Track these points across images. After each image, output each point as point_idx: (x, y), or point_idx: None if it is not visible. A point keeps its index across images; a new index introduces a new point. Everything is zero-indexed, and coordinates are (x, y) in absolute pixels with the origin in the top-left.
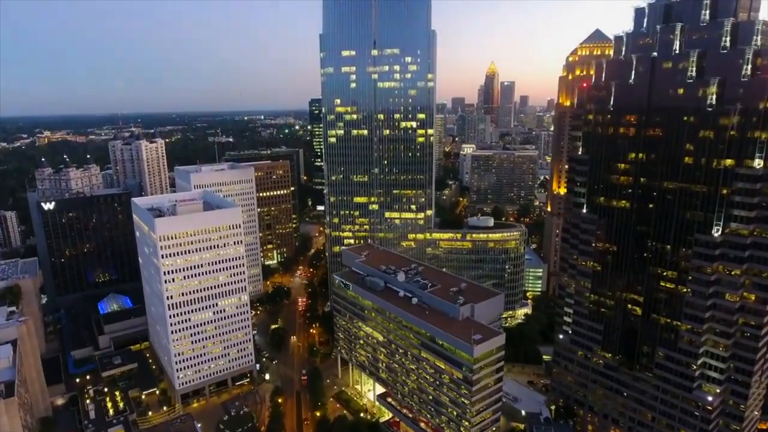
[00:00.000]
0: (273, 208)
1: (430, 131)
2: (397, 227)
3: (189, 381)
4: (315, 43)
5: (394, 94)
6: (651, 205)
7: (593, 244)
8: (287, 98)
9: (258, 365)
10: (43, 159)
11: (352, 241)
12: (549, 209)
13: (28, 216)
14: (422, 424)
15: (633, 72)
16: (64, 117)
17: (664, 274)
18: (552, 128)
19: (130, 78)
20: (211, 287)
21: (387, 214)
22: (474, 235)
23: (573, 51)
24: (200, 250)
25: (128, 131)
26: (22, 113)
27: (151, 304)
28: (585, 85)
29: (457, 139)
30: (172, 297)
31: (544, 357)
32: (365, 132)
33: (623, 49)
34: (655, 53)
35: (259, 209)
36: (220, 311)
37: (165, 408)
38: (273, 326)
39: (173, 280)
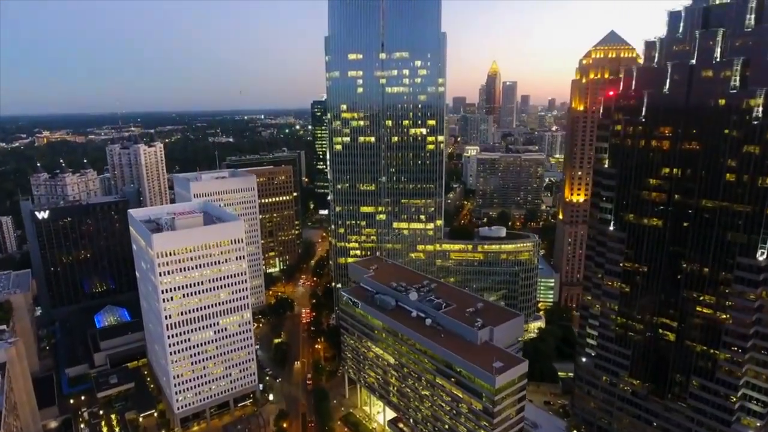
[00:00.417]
0: (275, 215)
1: (440, 138)
2: (405, 238)
3: (189, 404)
4: (315, 42)
5: (403, 99)
6: (686, 225)
7: (621, 264)
8: (287, 98)
9: (261, 385)
10: (38, 164)
11: (358, 252)
12: (561, 217)
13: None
14: None
15: (668, 80)
16: (64, 116)
17: (701, 298)
18: (554, 127)
19: (130, 77)
20: (212, 305)
21: (395, 225)
22: (486, 246)
23: (586, 53)
24: (200, 267)
25: (128, 131)
26: (22, 112)
27: (148, 321)
28: (612, 93)
29: (459, 139)
30: (170, 316)
31: (559, 374)
32: (372, 139)
33: (656, 55)
34: (693, 61)
35: (260, 216)
36: (222, 330)
37: None
38: (276, 340)
39: (172, 298)
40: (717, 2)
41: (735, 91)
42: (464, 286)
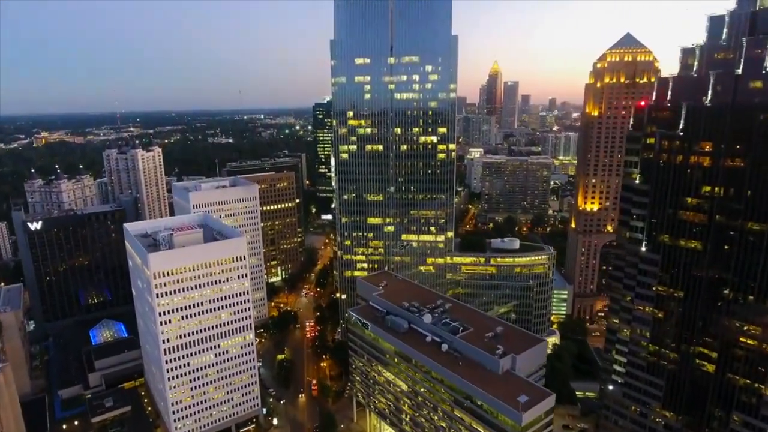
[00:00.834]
0: (277, 223)
1: (451, 146)
2: (414, 251)
3: (188, 431)
4: (314, 42)
5: (413, 106)
6: (728, 248)
7: (654, 288)
8: (287, 97)
9: (264, 409)
10: (33, 170)
11: (365, 264)
12: (573, 225)
13: None
14: None
15: (710, 91)
16: (63, 116)
17: (745, 328)
18: (555, 127)
19: (129, 76)
20: (213, 327)
21: (404, 237)
22: (499, 259)
23: (601, 57)
24: (200, 287)
25: (127, 132)
26: (22, 112)
27: (145, 341)
28: (643, 103)
29: (461, 140)
30: (168, 340)
31: (577, 393)
32: (380, 147)
33: (695, 63)
34: (739, 70)
35: (262, 223)
36: (223, 353)
37: None
38: (279, 357)
39: (170, 321)
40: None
41: None
42: (475, 298)
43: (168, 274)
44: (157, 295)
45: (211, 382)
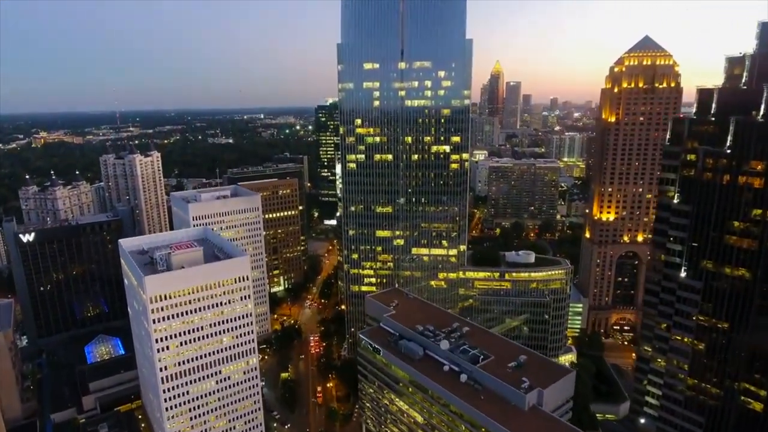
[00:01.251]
0: (280, 231)
1: (465, 156)
2: (425, 265)
3: None
4: (314, 42)
5: (424, 113)
6: None
7: (694, 317)
8: (287, 97)
9: None
10: (28, 176)
11: (373, 279)
12: (588, 235)
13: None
14: None
15: (762, 105)
16: (63, 114)
17: None
18: (556, 127)
19: (129, 75)
20: (214, 352)
21: (414, 250)
22: (514, 274)
23: (618, 60)
24: (200, 310)
25: (126, 132)
26: (21, 111)
27: (142, 365)
28: (681, 116)
29: None
30: (166, 368)
31: (597, 416)
32: (390, 157)
33: (744, 74)
34: None
35: (264, 232)
36: (225, 379)
37: None
38: (283, 375)
39: (167, 347)
40: None
41: None
42: (486, 312)
43: (166, 297)
44: (154, 321)
45: (211, 411)
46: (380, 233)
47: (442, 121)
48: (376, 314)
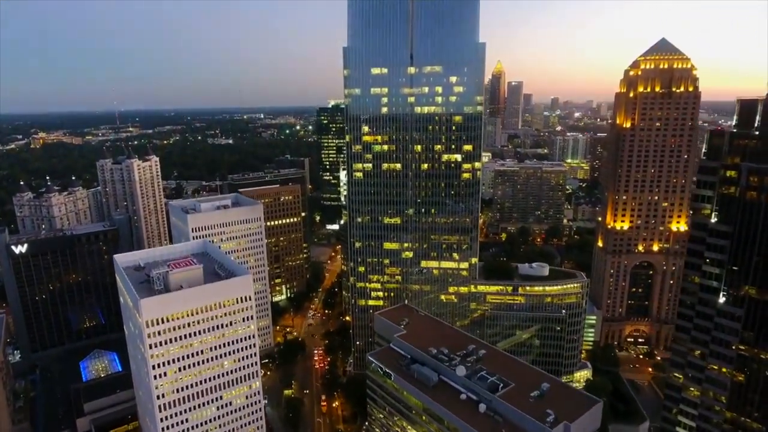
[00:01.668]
0: (282, 239)
1: (477, 165)
2: (435, 279)
3: None
4: (313, 42)
5: (435, 120)
6: None
7: (734, 347)
8: (287, 96)
9: None
10: (22, 182)
11: (380, 293)
12: (600, 244)
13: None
14: None
15: None
16: (62, 114)
17: None
18: (558, 127)
19: (129, 74)
20: (214, 377)
21: (423, 263)
22: (528, 288)
23: (633, 63)
24: (200, 333)
25: (125, 132)
26: (21, 111)
27: (139, 387)
28: (718, 128)
29: None
30: (163, 395)
31: None
32: (398, 166)
33: None
34: None
35: (266, 240)
36: (226, 405)
37: None
38: (287, 392)
39: (165, 373)
40: None
41: None
42: (497, 326)
43: (163, 321)
44: (150, 346)
45: None
46: (388, 245)
47: (454, 128)
48: (386, 333)
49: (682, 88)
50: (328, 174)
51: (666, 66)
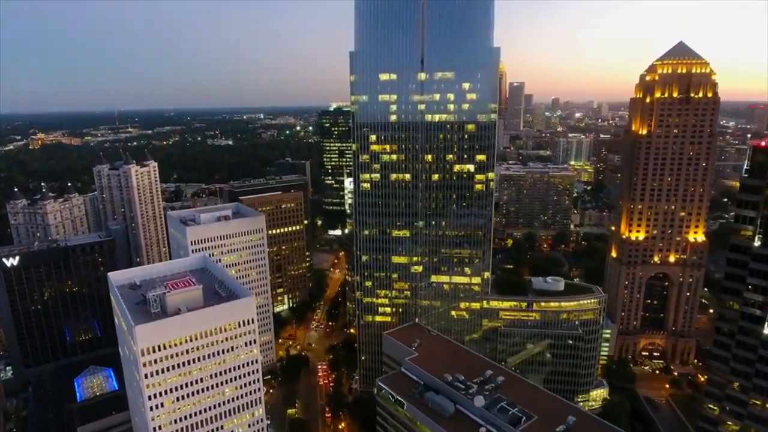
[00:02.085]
0: (284, 247)
1: (490, 175)
2: (445, 294)
3: None
4: (314, 40)
5: (446, 129)
6: None
7: None
8: (286, 96)
9: None
10: (16, 189)
11: (388, 309)
12: (614, 254)
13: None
14: None
15: None
16: (62, 114)
17: None
18: (559, 128)
19: (129, 74)
20: (215, 406)
21: (433, 278)
22: (543, 304)
23: (650, 68)
24: (200, 360)
25: (125, 132)
26: (20, 110)
27: (135, 414)
28: (764, 143)
29: None
30: (160, 427)
31: None
32: (407, 176)
33: None
34: None
35: (267, 249)
36: None
37: None
38: (290, 411)
39: (162, 404)
40: None
41: None
42: (509, 338)
43: (160, 348)
44: (146, 375)
45: None
46: (396, 259)
47: (466, 137)
48: (396, 355)
49: (700, 94)
50: (330, 178)
51: (684, 70)
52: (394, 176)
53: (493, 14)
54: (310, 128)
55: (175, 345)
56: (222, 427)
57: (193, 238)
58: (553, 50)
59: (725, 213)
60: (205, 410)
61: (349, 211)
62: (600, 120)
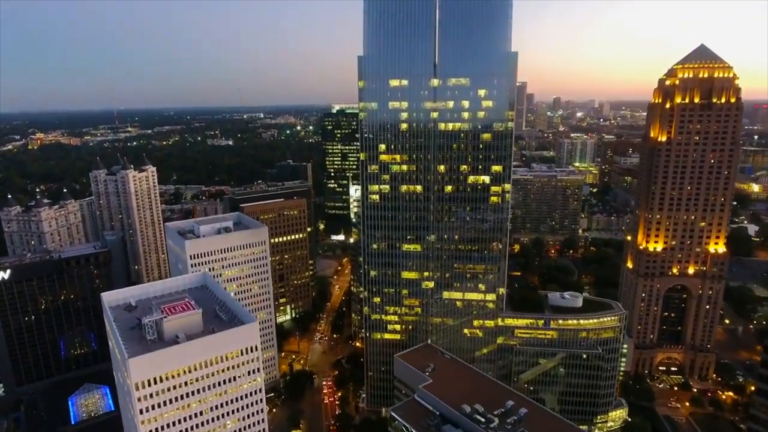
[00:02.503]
0: (287, 256)
1: (507, 187)
2: (458, 311)
3: None
4: (313, 39)
5: (461, 138)
6: None
7: None
8: (286, 95)
9: None
10: (9, 195)
11: (397, 326)
12: (630, 265)
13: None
14: None
15: None
16: (61, 113)
17: None
18: (561, 128)
19: (129, 73)
20: None
21: (446, 295)
22: (561, 322)
23: (670, 72)
24: (199, 392)
25: (124, 132)
26: (20, 110)
27: None
28: None
29: None
30: None
31: None
32: (419, 188)
33: None
34: None
35: (270, 258)
36: None
37: None
38: None
39: None
40: None
41: None
42: (524, 360)
43: (156, 381)
44: (141, 411)
45: None
46: (406, 275)
47: (481, 147)
48: (408, 380)
49: (723, 99)
50: (332, 182)
51: (706, 75)
52: (404, 188)
53: (511, 15)
54: (311, 128)
55: (173, 377)
56: None
57: (193, 252)
58: (553, 49)
59: (735, 217)
60: None
61: (354, 219)
62: (602, 120)
